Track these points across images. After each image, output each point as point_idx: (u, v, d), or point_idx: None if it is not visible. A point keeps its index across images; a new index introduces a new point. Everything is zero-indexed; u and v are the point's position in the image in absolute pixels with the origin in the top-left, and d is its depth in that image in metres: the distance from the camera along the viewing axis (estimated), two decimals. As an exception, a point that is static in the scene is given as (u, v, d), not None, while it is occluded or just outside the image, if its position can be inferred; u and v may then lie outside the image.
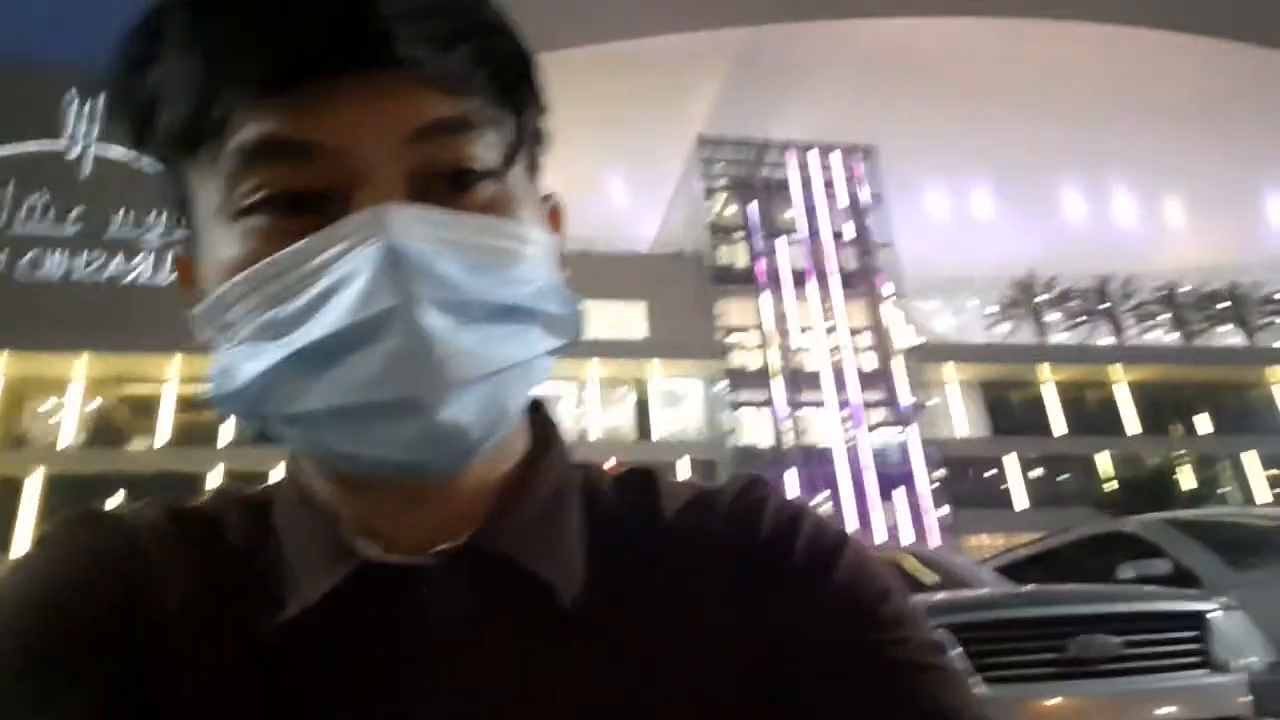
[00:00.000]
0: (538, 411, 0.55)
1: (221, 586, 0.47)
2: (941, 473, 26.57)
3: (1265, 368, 31.01)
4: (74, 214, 24.92)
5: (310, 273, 0.41)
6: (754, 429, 27.10)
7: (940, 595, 3.88)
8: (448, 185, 0.44)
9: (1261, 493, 28.16)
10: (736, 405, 27.02)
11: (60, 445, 22.99)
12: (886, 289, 29.20)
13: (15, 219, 24.61)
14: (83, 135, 25.94)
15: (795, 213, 29.79)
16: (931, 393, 28.75)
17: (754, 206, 29.86)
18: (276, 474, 0.55)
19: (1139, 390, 30.06)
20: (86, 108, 26.19)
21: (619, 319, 26.00)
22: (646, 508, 0.53)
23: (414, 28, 0.42)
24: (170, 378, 23.88)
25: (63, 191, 25.06)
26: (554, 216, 0.53)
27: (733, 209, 30.48)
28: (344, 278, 0.41)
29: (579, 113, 29.33)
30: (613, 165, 37.53)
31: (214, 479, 21.15)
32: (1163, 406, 29.67)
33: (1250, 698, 2.89)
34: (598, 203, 34.89)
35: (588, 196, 33.79)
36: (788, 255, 29.02)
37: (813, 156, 30.23)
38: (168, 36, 0.43)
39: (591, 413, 25.91)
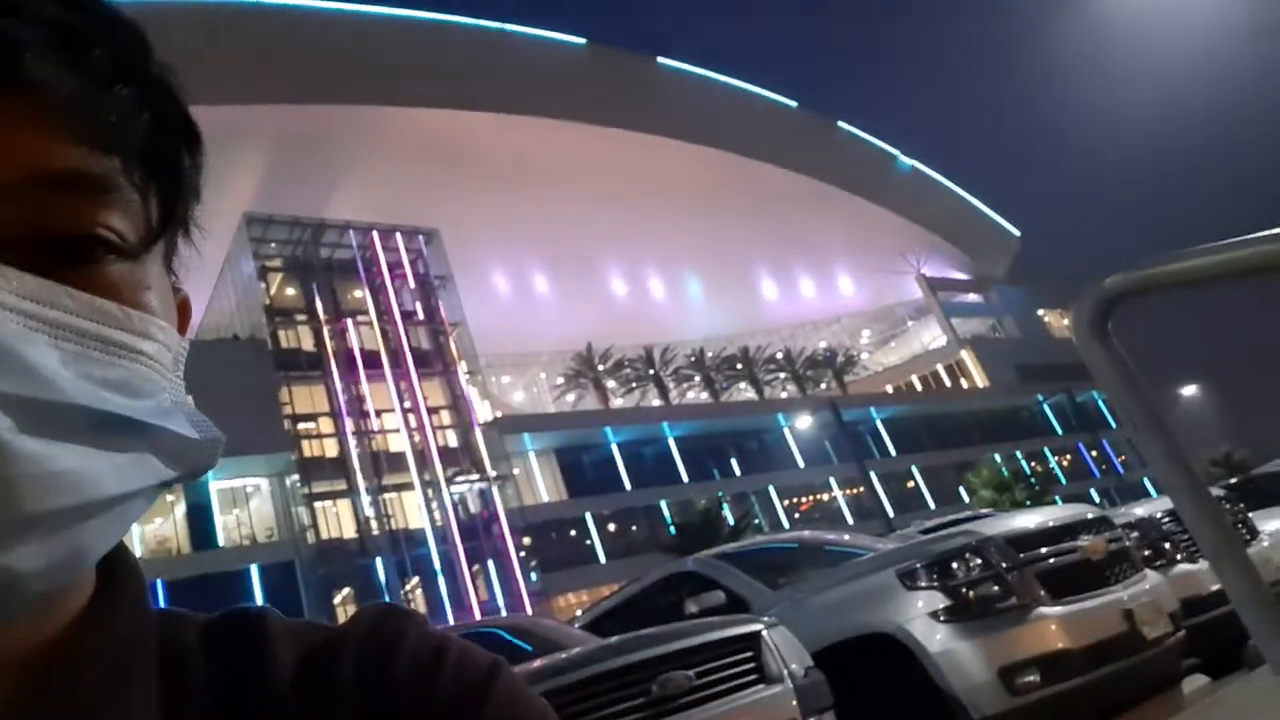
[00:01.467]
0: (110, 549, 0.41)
1: None
2: (527, 541, 27.42)
3: (774, 414, 37.54)
4: None
5: None
6: (335, 522, 25.41)
7: (534, 663, 3.86)
8: (63, 254, 0.34)
9: (785, 519, 33.97)
10: (313, 498, 25.13)
11: None
12: (461, 366, 29.72)
13: None
14: None
15: (362, 293, 29.10)
16: (512, 463, 29.71)
17: (316, 287, 28.54)
18: None
19: (684, 443, 34.40)
20: None
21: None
22: (249, 664, 0.42)
23: (64, 49, 0.34)
24: None
25: None
26: (182, 315, 0.43)
27: (291, 290, 28.78)
28: None
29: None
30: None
31: None
32: (704, 455, 34.40)
33: (796, 702, 3.28)
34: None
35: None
36: (358, 336, 28.14)
37: (376, 238, 29.94)
38: None
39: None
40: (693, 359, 41.84)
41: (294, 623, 0.45)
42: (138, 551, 21.08)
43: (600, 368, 39.03)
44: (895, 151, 54.42)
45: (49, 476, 0.31)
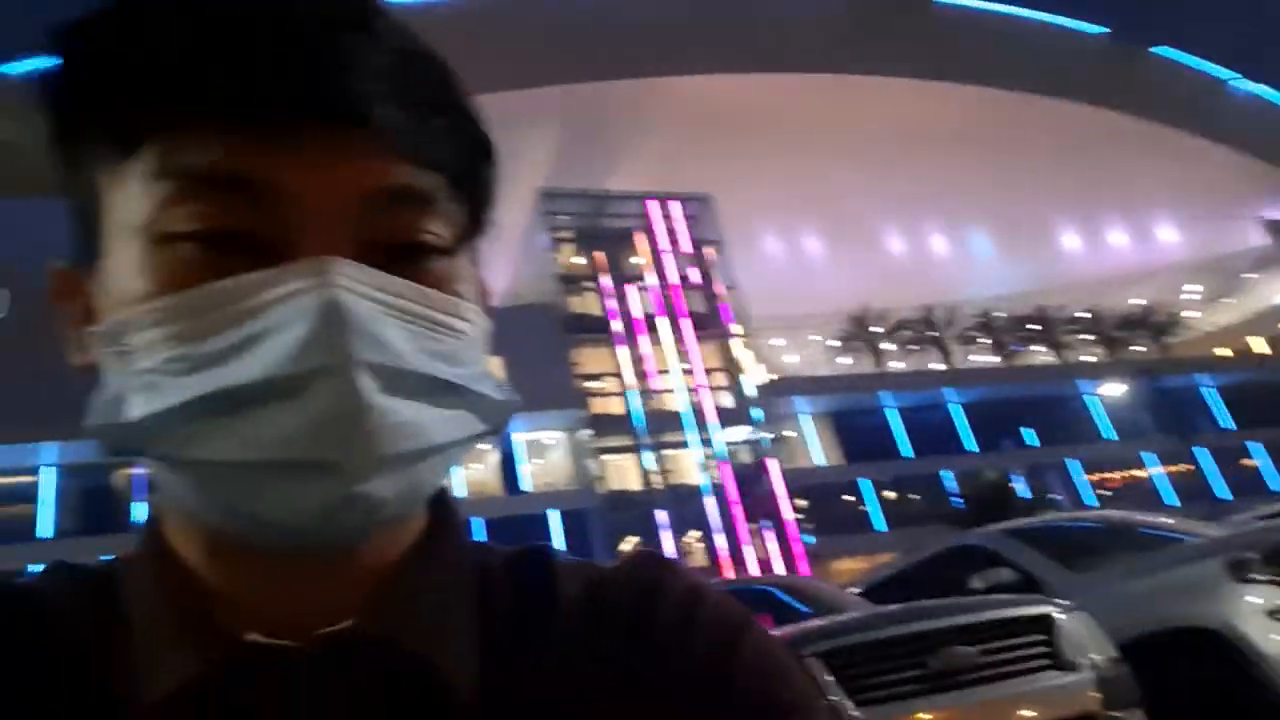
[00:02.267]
0: (438, 491, 0.50)
1: (53, 678, 0.42)
2: (802, 504, 27.48)
3: (1074, 380, 34.05)
4: None
5: (243, 312, 0.38)
6: (621, 474, 27.16)
7: (811, 623, 3.94)
8: (395, 255, 0.42)
9: (1088, 496, 30.80)
10: (602, 452, 27.02)
11: None
12: (735, 329, 30.20)
13: None
14: None
15: (642, 259, 30.46)
16: (786, 426, 29.81)
17: (601, 256, 30.33)
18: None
19: (970, 410, 32.32)
20: None
21: (475, 375, 25.54)
22: (542, 593, 0.50)
23: (398, 93, 0.40)
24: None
25: None
26: (485, 300, 0.51)
27: (580, 259, 30.81)
28: (280, 324, 0.37)
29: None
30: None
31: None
32: (992, 423, 32.07)
33: (1099, 694, 3.07)
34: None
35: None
36: (639, 301, 29.55)
37: (653, 207, 31.10)
38: (126, 26, 0.39)
39: (455, 469, 25.24)
40: (979, 319, 39.00)
41: (573, 560, 0.53)
42: (461, 493, 24.10)
43: (876, 330, 37.68)
44: (1228, 74, 46.36)
45: (399, 426, 0.38)
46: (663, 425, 27.82)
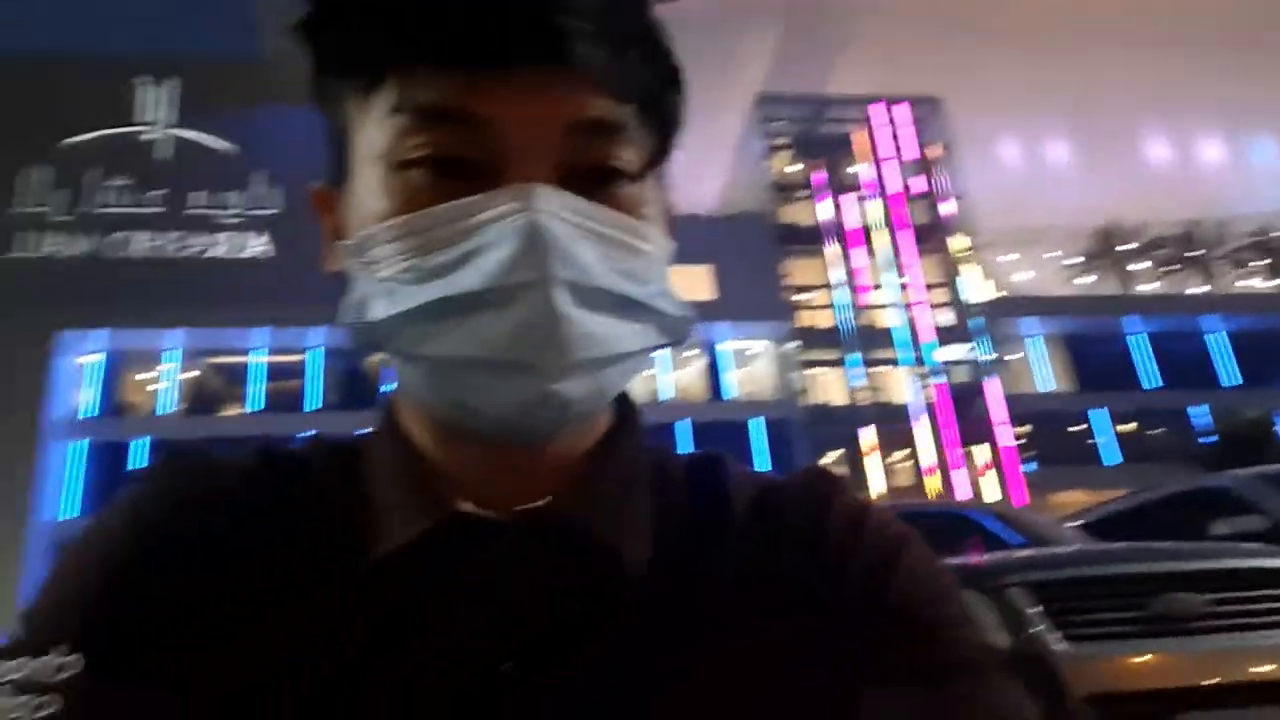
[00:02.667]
0: (621, 395, 0.56)
1: (304, 527, 0.50)
2: (1023, 430, 25.94)
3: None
4: (155, 195, 25.87)
5: (461, 231, 0.44)
6: (826, 388, 26.86)
7: (1021, 553, 3.83)
8: (590, 179, 0.47)
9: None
10: (807, 365, 26.78)
11: (160, 413, 24.21)
12: (960, 242, 28.38)
13: (100, 201, 25.67)
14: (160, 121, 26.82)
15: (862, 168, 29.10)
16: (1012, 347, 27.98)
17: (818, 164, 29.27)
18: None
19: (1235, 340, 28.67)
20: (161, 95, 27.05)
21: (685, 282, 25.88)
22: (714, 495, 0.54)
23: (592, 28, 0.45)
24: (257, 348, 24.85)
25: (143, 174, 26.02)
26: (668, 219, 0.55)
27: (796, 167, 29.94)
28: (491, 242, 0.44)
29: None
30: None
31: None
32: (1261, 357, 28.25)
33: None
34: (660, 165, 34.54)
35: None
36: (855, 211, 28.42)
37: (877, 110, 29.39)
38: None
39: (662, 374, 26.01)
40: (1255, 238, 34.01)
41: (746, 469, 0.58)
42: (667, 396, 24.93)
43: (1125, 247, 33.92)
44: None
45: (588, 336, 0.44)
46: (873, 341, 27.02)
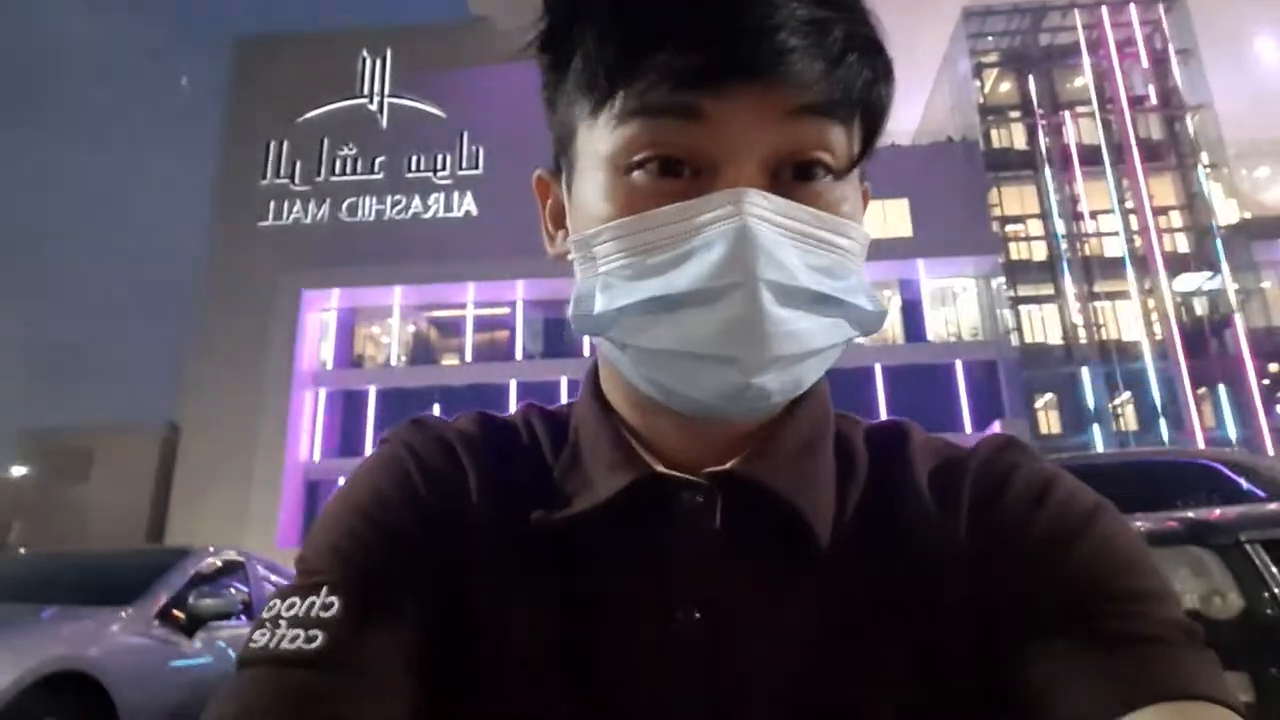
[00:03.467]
0: None
1: (520, 483, 0.57)
2: (1275, 369, 22.99)
3: None
4: (378, 162, 28.20)
5: (676, 234, 0.48)
6: (1041, 326, 25.03)
7: (1265, 508, 3.49)
8: (795, 173, 0.50)
9: None
10: (1017, 301, 25.04)
11: (386, 364, 26.76)
12: (1201, 158, 25.20)
13: (332, 171, 28.34)
14: (378, 90, 29.05)
15: (1085, 80, 26.39)
16: (1261, 275, 24.72)
17: (1032, 80, 26.86)
18: (561, 383, 0.66)
19: None
20: (378, 65, 29.23)
21: (880, 217, 24.89)
22: (895, 462, 0.57)
23: (810, 41, 0.47)
24: (468, 303, 26.72)
25: (366, 142, 28.39)
26: (863, 202, 0.58)
27: (1006, 86, 27.65)
28: (703, 245, 0.47)
29: None
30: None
31: (512, 389, 23.61)
32: None
33: None
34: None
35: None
36: (1076, 130, 25.93)
37: (1104, 13, 26.40)
38: (601, 3, 0.50)
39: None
40: None
41: (930, 438, 0.60)
42: (861, 340, 24.00)
43: None
44: None
45: (789, 334, 0.47)
46: (1096, 272, 24.78)
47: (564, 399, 0.68)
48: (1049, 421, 24.65)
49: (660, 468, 0.55)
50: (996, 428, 20.97)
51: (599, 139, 0.51)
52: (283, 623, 0.49)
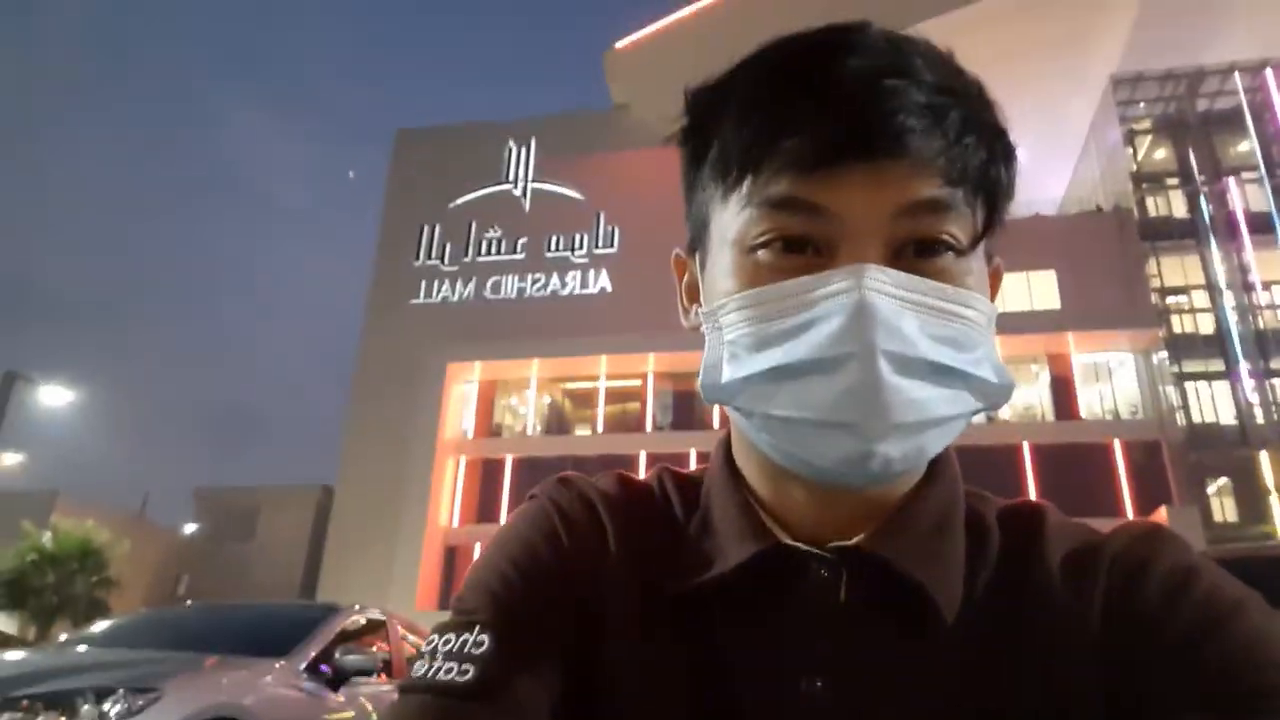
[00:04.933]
0: None
1: (654, 545, 0.60)
2: None
3: None
4: (520, 243, 29.69)
5: (797, 306, 0.50)
6: (1209, 404, 23.07)
7: None
8: (918, 250, 0.51)
9: None
10: (1183, 378, 23.24)
11: (523, 434, 27.55)
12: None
13: (478, 252, 30.01)
14: (521, 176, 30.77)
15: (1250, 144, 24.75)
16: None
17: (1191, 146, 25.40)
18: (689, 455, 0.71)
19: None
20: (522, 153, 31.03)
21: (1024, 289, 23.86)
22: (1029, 543, 0.57)
23: (929, 123, 0.49)
24: (601, 375, 27.31)
25: (510, 225, 29.98)
26: (994, 280, 0.59)
27: (1161, 153, 26.26)
28: (823, 316, 0.49)
29: (971, 71, 26.99)
30: (1012, 124, 33.91)
31: (641, 459, 23.79)
32: None
33: None
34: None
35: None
36: (1242, 196, 24.23)
37: (1269, 75, 24.82)
38: (733, 99, 0.53)
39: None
40: None
41: (1067, 521, 0.59)
42: (1006, 416, 22.97)
43: None
44: None
45: (908, 402, 0.48)
46: (1271, 347, 22.76)
47: None
48: (1223, 509, 22.45)
49: (787, 539, 0.56)
50: (1162, 514, 19.23)
51: (728, 222, 0.54)
52: (440, 656, 0.53)
